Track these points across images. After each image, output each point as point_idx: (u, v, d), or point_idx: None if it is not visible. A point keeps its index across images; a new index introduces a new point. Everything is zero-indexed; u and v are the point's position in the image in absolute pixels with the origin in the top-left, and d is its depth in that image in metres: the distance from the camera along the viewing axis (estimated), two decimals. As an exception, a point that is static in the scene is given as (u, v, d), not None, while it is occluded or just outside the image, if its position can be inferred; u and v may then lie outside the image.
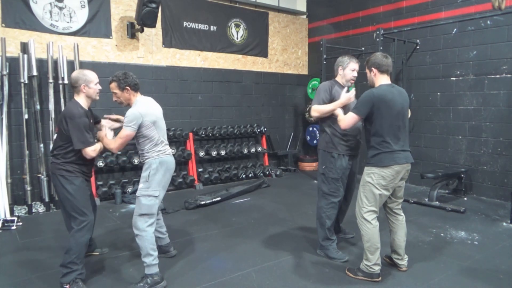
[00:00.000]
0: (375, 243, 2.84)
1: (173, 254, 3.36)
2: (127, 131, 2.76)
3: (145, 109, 2.83)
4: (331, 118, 3.23)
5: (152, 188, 2.84)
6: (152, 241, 2.83)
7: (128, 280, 2.92)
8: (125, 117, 2.79)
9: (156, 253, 2.85)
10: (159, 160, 2.88)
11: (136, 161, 5.45)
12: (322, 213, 3.30)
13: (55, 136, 2.98)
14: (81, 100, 2.84)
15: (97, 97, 2.91)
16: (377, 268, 2.86)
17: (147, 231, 2.81)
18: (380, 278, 2.87)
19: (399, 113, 2.79)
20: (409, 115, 3.11)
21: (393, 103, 2.77)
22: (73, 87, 2.84)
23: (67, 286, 2.70)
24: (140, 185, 2.86)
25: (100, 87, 2.92)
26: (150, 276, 2.79)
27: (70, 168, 2.78)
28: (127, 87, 2.85)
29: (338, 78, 3.37)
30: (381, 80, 2.88)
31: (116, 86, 2.85)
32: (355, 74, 3.34)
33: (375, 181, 2.82)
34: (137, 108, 2.81)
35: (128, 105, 2.94)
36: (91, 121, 2.97)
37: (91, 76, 2.84)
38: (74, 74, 2.85)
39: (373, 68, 2.89)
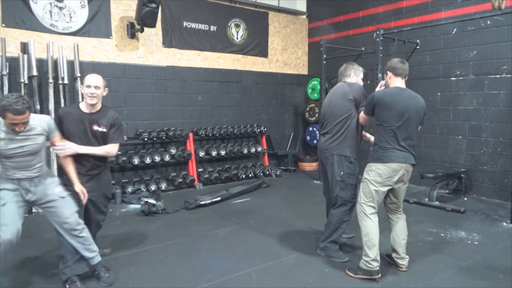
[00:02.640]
0: (373, 237, 2.87)
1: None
2: None
3: None
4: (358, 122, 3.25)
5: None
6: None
7: (128, 280, 2.92)
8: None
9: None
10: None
11: (136, 161, 5.45)
12: (339, 219, 3.27)
13: None
14: (82, 103, 2.91)
15: (89, 100, 2.83)
16: (375, 265, 2.87)
17: None
18: (379, 275, 2.88)
19: (399, 114, 2.82)
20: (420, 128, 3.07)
21: (394, 104, 2.83)
22: None
23: (67, 286, 2.72)
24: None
25: (91, 91, 2.81)
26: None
27: None
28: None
29: (348, 80, 3.35)
30: (395, 83, 2.97)
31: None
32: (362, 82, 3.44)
33: (371, 177, 2.92)
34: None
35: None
36: (94, 128, 2.88)
37: (86, 78, 2.86)
38: None
39: (388, 72, 3.00)
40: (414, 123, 2.89)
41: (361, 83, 3.39)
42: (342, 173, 3.22)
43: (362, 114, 3.12)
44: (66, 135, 2.83)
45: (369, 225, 2.90)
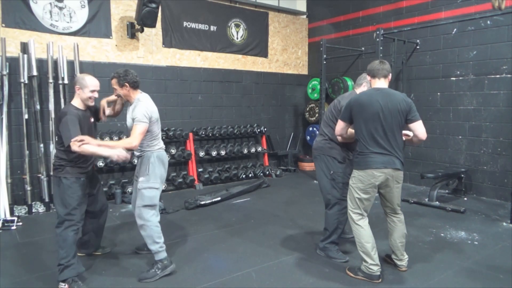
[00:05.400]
0: (365, 243, 2.87)
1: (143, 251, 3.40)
2: (144, 126, 2.87)
3: (152, 107, 3.01)
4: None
5: (152, 180, 3.00)
6: (157, 230, 2.99)
7: (128, 280, 2.92)
8: (135, 115, 2.88)
9: (162, 240, 3.01)
10: (156, 154, 3.05)
11: (136, 161, 5.43)
12: (335, 219, 3.28)
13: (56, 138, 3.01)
14: (76, 102, 2.93)
15: (90, 103, 2.95)
16: (376, 269, 2.86)
17: (152, 221, 2.99)
18: (380, 280, 2.87)
19: (375, 115, 2.74)
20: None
21: (369, 105, 2.76)
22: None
23: (66, 286, 2.72)
24: (141, 179, 3.02)
25: (95, 96, 2.94)
26: (159, 261, 2.98)
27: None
28: (126, 84, 2.97)
29: (358, 91, 3.33)
30: (374, 84, 2.94)
31: (116, 83, 2.97)
32: None
33: (354, 184, 2.90)
34: (145, 105, 2.94)
35: (127, 101, 3.08)
36: (91, 120, 3.03)
37: (88, 82, 2.89)
38: (77, 76, 3.02)
39: (367, 76, 3.01)
40: (394, 122, 2.76)
41: None
42: (332, 172, 3.25)
43: (339, 121, 3.01)
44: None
45: (360, 232, 2.89)
